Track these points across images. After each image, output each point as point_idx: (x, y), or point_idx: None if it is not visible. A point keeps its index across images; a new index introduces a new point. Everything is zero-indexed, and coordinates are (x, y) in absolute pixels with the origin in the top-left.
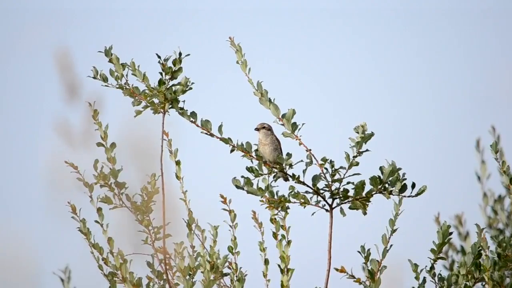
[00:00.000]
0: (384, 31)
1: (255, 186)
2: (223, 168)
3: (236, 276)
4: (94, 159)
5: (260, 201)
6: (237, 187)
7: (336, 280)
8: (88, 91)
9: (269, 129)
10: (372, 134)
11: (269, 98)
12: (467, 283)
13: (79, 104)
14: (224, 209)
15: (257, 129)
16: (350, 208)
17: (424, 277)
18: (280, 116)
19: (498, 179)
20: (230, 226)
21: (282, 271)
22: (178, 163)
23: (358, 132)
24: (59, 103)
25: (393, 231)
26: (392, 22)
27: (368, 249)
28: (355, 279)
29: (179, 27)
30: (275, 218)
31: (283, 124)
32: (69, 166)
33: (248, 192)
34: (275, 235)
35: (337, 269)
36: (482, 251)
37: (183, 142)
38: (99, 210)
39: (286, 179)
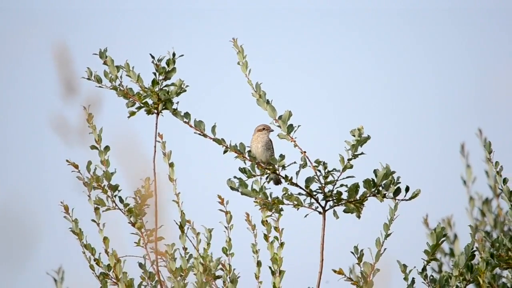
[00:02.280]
0: (374, 36)
1: (249, 188)
2: (215, 169)
3: (229, 278)
4: (90, 157)
5: (254, 202)
6: (232, 188)
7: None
8: (86, 87)
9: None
10: (368, 138)
11: (267, 99)
12: (459, 284)
13: (77, 101)
14: (221, 210)
15: (271, 130)
16: (344, 211)
17: (413, 278)
18: (276, 118)
19: (484, 182)
20: (226, 227)
21: (273, 273)
22: (171, 165)
23: (354, 135)
24: (57, 100)
25: (387, 235)
26: (379, 28)
27: (361, 250)
28: (352, 282)
29: (175, 28)
30: (266, 220)
31: (279, 126)
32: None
33: (242, 193)
34: (266, 237)
35: (335, 271)
36: (476, 253)
37: (176, 143)
38: (96, 209)
39: (277, 183)
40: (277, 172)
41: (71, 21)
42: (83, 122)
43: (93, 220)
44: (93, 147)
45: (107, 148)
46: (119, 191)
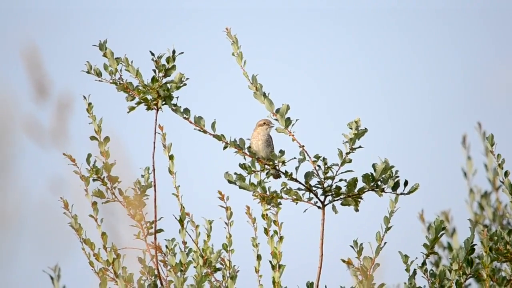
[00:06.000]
0: (375, 29)
1: (247, 181)
2: (215, 164)
3: (229, 273)
4: (66, 158)
5: (253, 195)
6: (229, 181)
7: (327, 277)
8: (58, 89)
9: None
10: (365, 130)
11: (264, 92)
12: (459, 278)
13: (49, 103)
14: (221, 206)
15: (270, 125)
16: (342, 204)
17: (415, 269)
18: (274, 111)
19: (483, 176)
20: (226, 223)
21: (273, 267)
22: (171, 157)
23: (351, 128)
24: (29, 103)
25: (388, 228)
26: (382, 21)
27: (361, 244)
28: (360, 272)
29: (173, 24)
30: (266, 214)
31: (276, 119)
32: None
33: (240, 187)
34: (266, 231)
35: (344, 261)
36: (476, 247)
37: (175, 139)
38: (93, 204)
39: (277, 177)
40: (277, 167)
41: (61, 19)
42: (57, 123)
43: (91, 216)
44: (92, 138)
45: (106, 139)
46: (118, 182)
